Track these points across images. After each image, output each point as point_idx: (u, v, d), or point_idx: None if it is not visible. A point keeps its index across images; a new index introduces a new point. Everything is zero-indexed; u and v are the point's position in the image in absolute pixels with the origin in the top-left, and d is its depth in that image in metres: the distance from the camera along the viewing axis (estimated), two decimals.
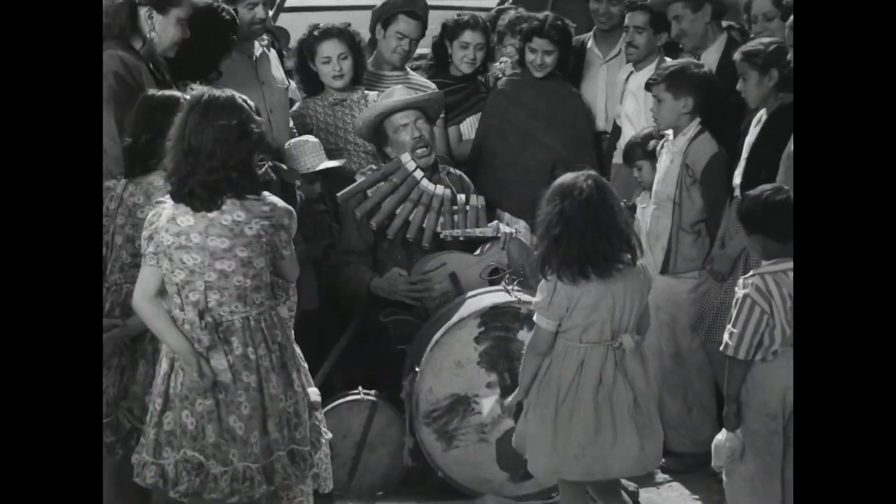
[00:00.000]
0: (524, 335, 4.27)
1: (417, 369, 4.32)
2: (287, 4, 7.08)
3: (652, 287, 3.74)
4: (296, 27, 5.92)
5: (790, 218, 3.52)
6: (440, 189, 4.88)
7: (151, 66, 4.12)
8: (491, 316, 4.33)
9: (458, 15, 5.67)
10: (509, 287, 4.44)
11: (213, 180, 3.25)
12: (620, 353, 3.56)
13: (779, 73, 4.42)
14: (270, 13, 5.57)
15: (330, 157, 4.97)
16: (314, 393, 3.52)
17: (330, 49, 5.20)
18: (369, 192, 4.88)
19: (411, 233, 4.83)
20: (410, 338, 4.56)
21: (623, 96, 5.46)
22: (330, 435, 3.64)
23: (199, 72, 4.37)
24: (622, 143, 5.35)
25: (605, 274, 3.50)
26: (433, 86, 5.40)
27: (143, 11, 4.07)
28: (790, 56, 4.26)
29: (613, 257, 3.51)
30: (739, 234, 4.03)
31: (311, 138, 4.96)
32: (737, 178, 4.58)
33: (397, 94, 4.99)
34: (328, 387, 4.57)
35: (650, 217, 4.87)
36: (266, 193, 3.37)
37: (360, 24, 5.46)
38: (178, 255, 3.29)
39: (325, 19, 5.43)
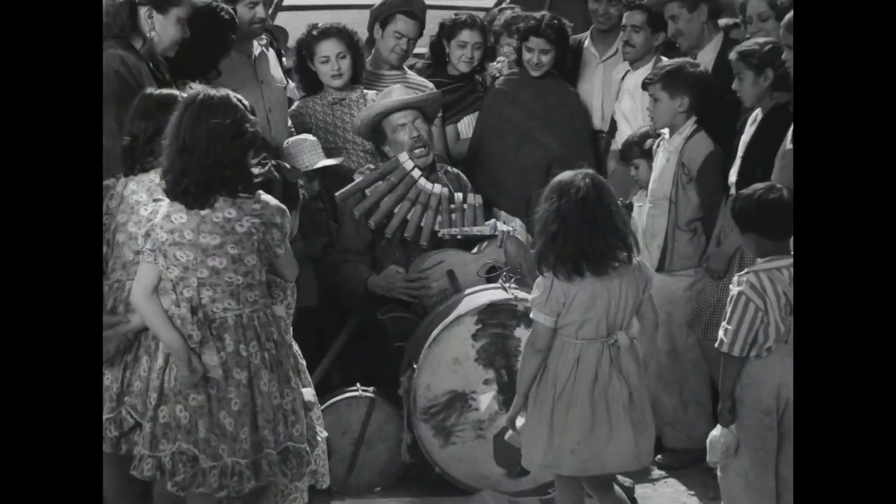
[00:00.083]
0: (521, 332, 4.30)
1: (415, 366, 4.34)
2: (285, 3, 7.08)
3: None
4: (294, 26, 5.94)
5: (783, 216, 3.56)
6: (438, 188, 4.90)
7: (152, 65, 4.13)
8: (488, 313, 4.36)
9: (456, 14, 5.70)
10: (506, 285, 4.46)
11: (207, 178, 3.28)
12: (616, 350, 3.58)
13: (774, 72, 4.43)
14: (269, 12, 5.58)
15: (329, 155, 4.99)
16: (308, 393, 3.54)
17: (328, 48, 5.22)
18: (367, 192, 4.90)
19: (409, 231, 4.86)
20: (408, 335, 4.58)
21: (619, 95, 5.48)
22: (325, 434, 3.66)
23: (199, 71, 4.37)
24: (619, 140, 5.38)
25: (601, 271, 3.52)
26: (431, 85, 5.43)
27: (143, 11, 4.08)
28: (785, 56, 4.28)
29: (609, 255, 3.52)
30: (734, 232, 4.05)
31: (309, 137, 4.98)
32: (732, 177, 4.60)
33: (395, 93, 5.01)
34: (327, 383, 4.60)
35: (646, 215, 4.88)
36: (260, 192, 3.39)
37: (359, 24, 5.48)
38: (173, 251, 3.32)
39: (323, 18, 5.44)
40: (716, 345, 3.68)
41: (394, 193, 4.86)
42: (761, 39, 4.57)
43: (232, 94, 3.40)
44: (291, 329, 3.63)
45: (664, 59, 5.25)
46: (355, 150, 5.26)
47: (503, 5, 6.63)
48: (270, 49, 5.28)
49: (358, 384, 4.54)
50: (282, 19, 6.85)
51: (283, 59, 5.70)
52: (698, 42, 5.20)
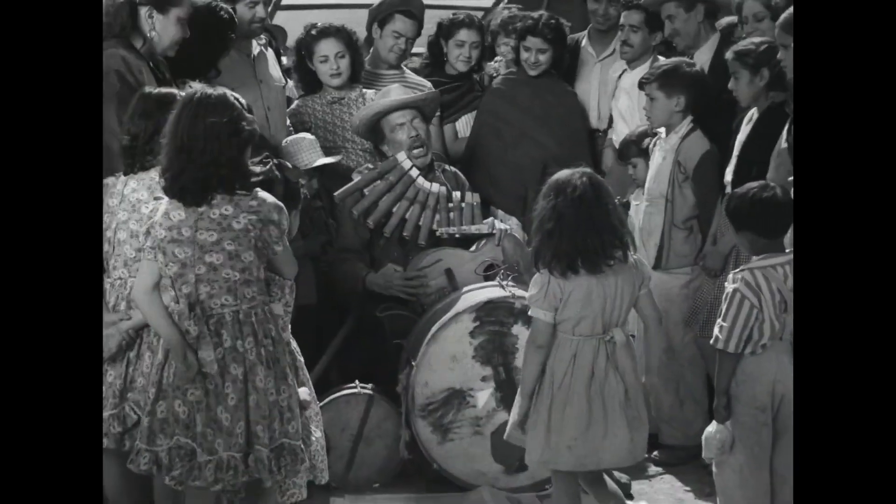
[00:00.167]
0: (518, 329, 4.32)
1: (413, 363, 4.36)
2: (284, 2, 7.09)
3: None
4: (292, 25, 5.96)
5: (777, 214, 3.59)
6: (436, 187, 4.92)
7: (152, 64, 4.15)
8: (486, 311, 4.38)
9: (454, 14, 5.71)
10: (504, 282, 4.47)
11: (204, 176, 3.30)
12: (612, 347, 3.60)
13: (770, 72, 4.45)
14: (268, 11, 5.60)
15: (327, 154, 5.01)
16: (304, 392, 3.56)
17: (327, 48, 5.23)
18: (366, 191, 4.91)
19: (408, 230, 4.87)
20: (406, 332, 4.60)
21: (616, 93, 5.50)
22: (319, 433, 3.66)
23: (199, 70, 4.38)
24: (615, 138, 5.40)
25: (596, 269, 3.54)
26: (429, 84, 5.45)
27: (143, 11, 4.09)
28: (781, 55, 4.30)
29: (604, 253, 3.54)
30: (730, 230, 4.07)
31: (307, 135, 4.99)
32: (728, 176, 4.61)
33: (394, 93, 5.02)
34: (325, 381, 4.61)
35: (643, 213, 4.91)
36: (257, 189, 3.41)
37: (357, 23, 5.50)
38: (171, 248, 3.35)
39: (321, 17, 5.46)
40: (711, 341, 3.70)
41: (392, 192, 4.88)
42: (757, 39, 4.59)
43: (229, 92, 3.42)
44: (290, 327, 3.65)
45: (661, 58, 5.27)
46: (354, 150, 5.28)
47: (501, 5, 6.64)
48: (269, 48, 5.29)
49: (356, 381, 4.56)
50: (280, 18, 6.86)
51: (282, 58, 5.72)
52: (695, 42, 5.21)
